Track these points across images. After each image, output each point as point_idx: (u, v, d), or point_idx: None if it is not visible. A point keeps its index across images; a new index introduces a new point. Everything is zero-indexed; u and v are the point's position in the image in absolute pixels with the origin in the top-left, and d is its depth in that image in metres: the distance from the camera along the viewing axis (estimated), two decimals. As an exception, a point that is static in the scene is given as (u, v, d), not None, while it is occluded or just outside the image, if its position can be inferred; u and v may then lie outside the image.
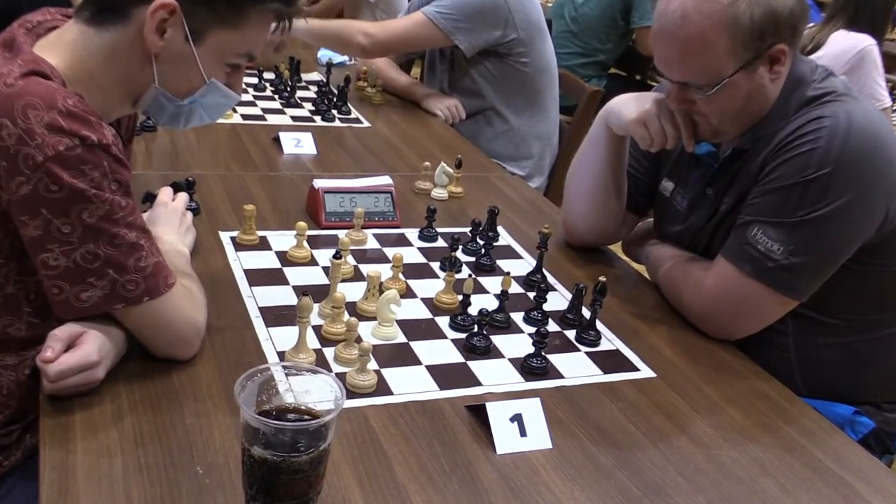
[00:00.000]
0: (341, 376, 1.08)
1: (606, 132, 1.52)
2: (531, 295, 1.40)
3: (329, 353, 1.18)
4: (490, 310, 1.28)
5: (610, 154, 1.53)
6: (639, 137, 1.44)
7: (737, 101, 1.33)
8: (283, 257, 1.44)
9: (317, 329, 1.23)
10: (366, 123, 2.27)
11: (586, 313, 1.37)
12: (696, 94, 1.34)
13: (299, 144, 1.98)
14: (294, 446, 0.83)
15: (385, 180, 1.69)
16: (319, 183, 1.61)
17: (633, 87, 4.13)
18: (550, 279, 1.51)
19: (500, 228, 1.68)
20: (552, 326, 1.35)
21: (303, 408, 0.88)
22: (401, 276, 1.39)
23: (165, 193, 1.45)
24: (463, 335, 1.27)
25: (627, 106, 1.45)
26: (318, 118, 2.23)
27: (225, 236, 1.49)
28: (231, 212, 1.59)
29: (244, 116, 2.15)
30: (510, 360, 1.24)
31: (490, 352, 1.25)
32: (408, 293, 1.38)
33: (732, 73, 1.30)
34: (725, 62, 1.29)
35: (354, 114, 2.32)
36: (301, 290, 1.13)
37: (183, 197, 1.46)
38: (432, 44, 2.31)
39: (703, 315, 1.39)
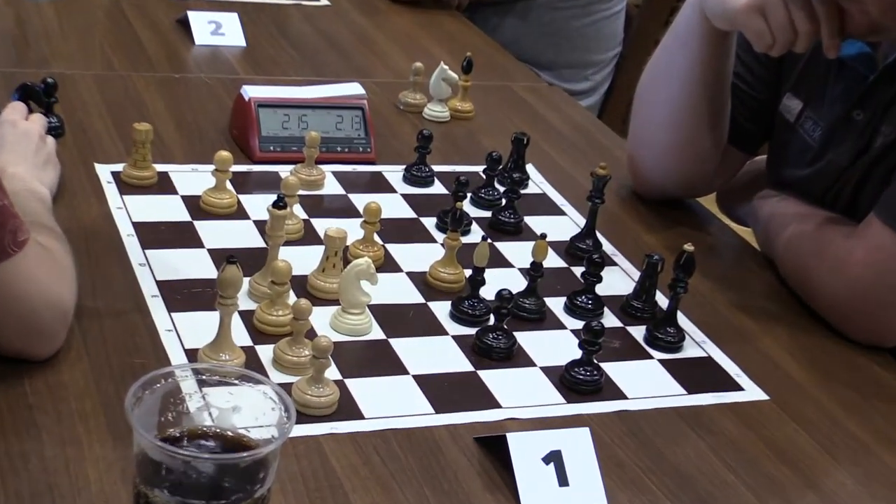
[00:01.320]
0: (286, 388, 1.09)
1: (701, 25, 1.52)
2: (577, 271, 1.41)
3: (265, 352, 1.19)
4: (514, 292, 1.28)
5: (705, 58, 1.53)
6: (753, 33, 1.44)
7: None
8: (196, 205, 1.44)
9: (247, 316, 1.24)
10: (323, 0, 2.27)
11: (662, 300, 1.38)
12: None
13: (219, 31, 1.98)
14: (216, 491, 0.84)
15: (353, 90, 1.69)
16: (251, 91, 1.61)
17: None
18: (608, 247, 1.52)
19: (530, 168, 1.69)
20: (610, 320, 1.36)
21: (229, 434, 0.88)
22: (377, 237, 1.40)
23: (14, 108, 1.44)
24: (472, 330, 1.29)
25: None
26: (248, -9, 2.22)
27: (104, 171, 1.49)
28: (113, 134, 1.60)
29: (133, -14, 2.14)
30: (544, 369, 1.26)
31: (513, 356, 1.26)
32: (387, 264, 1.39)
33: None
34: None
35: (305, -15, 2.31)
36: (224, 256, 1.13)
37: (39, 118, 1.46)
38: None
39: (847, 307, 1.40)
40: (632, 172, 1.67)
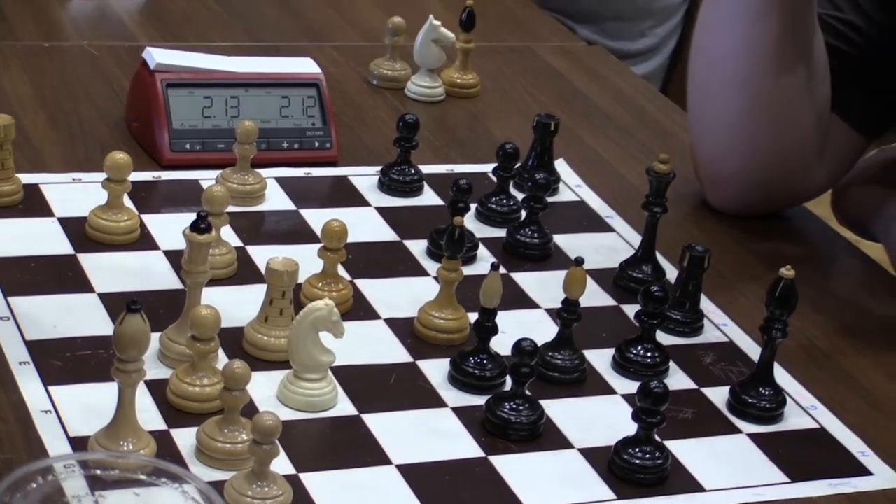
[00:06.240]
0: (217, 488, 1.10)
1: None
2: (631, 311, 1.44)
3: (186, 438, 1.20)
4: (540, 344, 1.30)
5: None
6: None
7: None
8: (80, 231, 1.46)
9: (159, 388, 1.25)
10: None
11: (751, 349, 1.41)
12: None
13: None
14: None
15: (304, 65, 1.70)
16: (158, 56, 1.61)
17: None
18: (672, 275, 1.53)
19: (560, 165, 1.71)
20: (678, 378, 1.39)
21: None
22: (342, 270, 1.43)
23: None
24: (481, 399, 1.30)
25: None
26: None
27: (-52, 185, 1.50)
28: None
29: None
30: (584, 452, 1.27)
31: (540, 435, 1.28)
32: (357, 308, 1.42)
33: None
34: None
35: None
36: (122, 303, 1.14)
37: None
38: None
39: None
40: (702, 175, 1.68)
